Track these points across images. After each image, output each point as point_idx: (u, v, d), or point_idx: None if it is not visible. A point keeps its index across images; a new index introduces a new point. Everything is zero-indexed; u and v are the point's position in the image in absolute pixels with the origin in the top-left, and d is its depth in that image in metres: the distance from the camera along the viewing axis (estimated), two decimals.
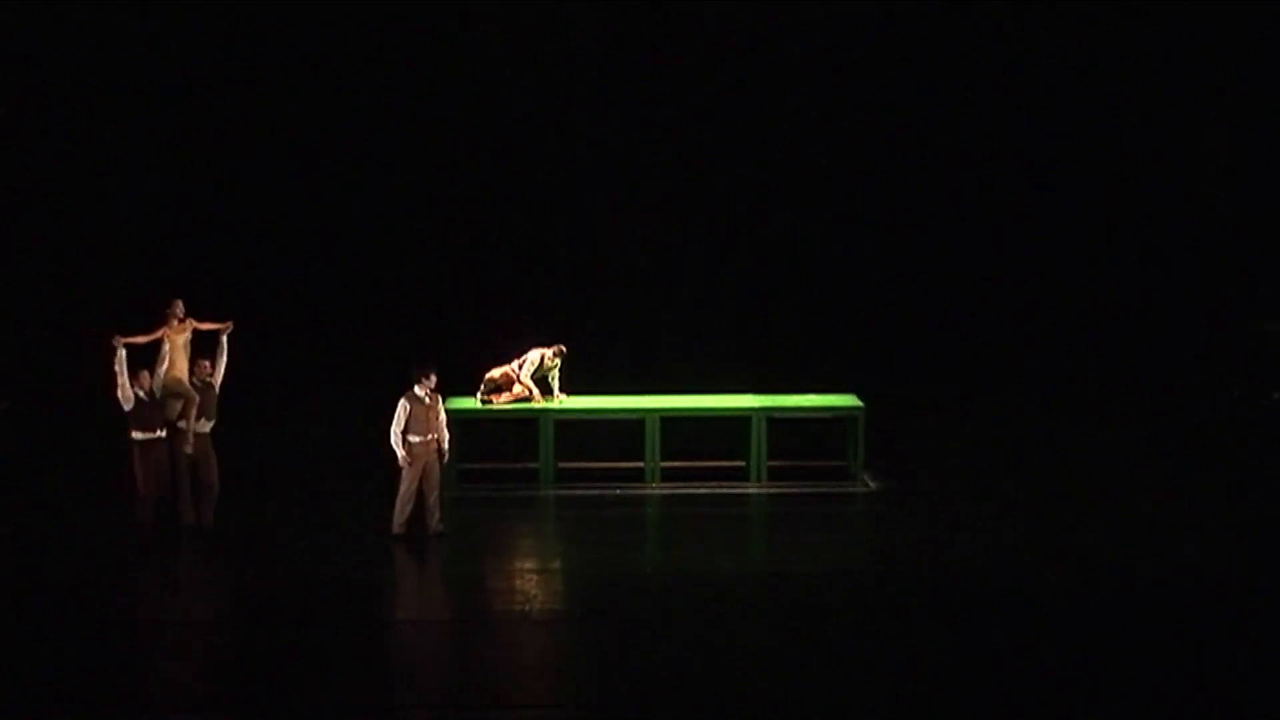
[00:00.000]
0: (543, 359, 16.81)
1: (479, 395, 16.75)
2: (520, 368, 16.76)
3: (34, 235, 18.95)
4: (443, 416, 14.69)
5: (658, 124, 19.81)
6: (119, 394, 14.03)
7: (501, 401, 16.75)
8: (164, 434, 14.28)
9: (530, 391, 16.74)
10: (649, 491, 16.44)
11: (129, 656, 11.46)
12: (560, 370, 16.96)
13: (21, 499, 15.87)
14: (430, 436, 14.50)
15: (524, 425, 16.93)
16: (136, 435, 14.09)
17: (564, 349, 16.89)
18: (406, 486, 14.50)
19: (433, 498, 14.58)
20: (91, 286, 18.82)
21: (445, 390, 15.06)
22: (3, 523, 15.08)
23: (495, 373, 16.78)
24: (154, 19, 18.92)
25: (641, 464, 16.72)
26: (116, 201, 19.18)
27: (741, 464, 16.97)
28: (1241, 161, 19.43)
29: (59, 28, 18.75)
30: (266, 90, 19.30)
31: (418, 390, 14.46)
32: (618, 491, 16.42)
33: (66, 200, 19.12)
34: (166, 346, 14.54)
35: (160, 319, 14.61)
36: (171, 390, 14.47)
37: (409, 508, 14.53)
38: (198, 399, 14.52)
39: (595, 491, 16.39)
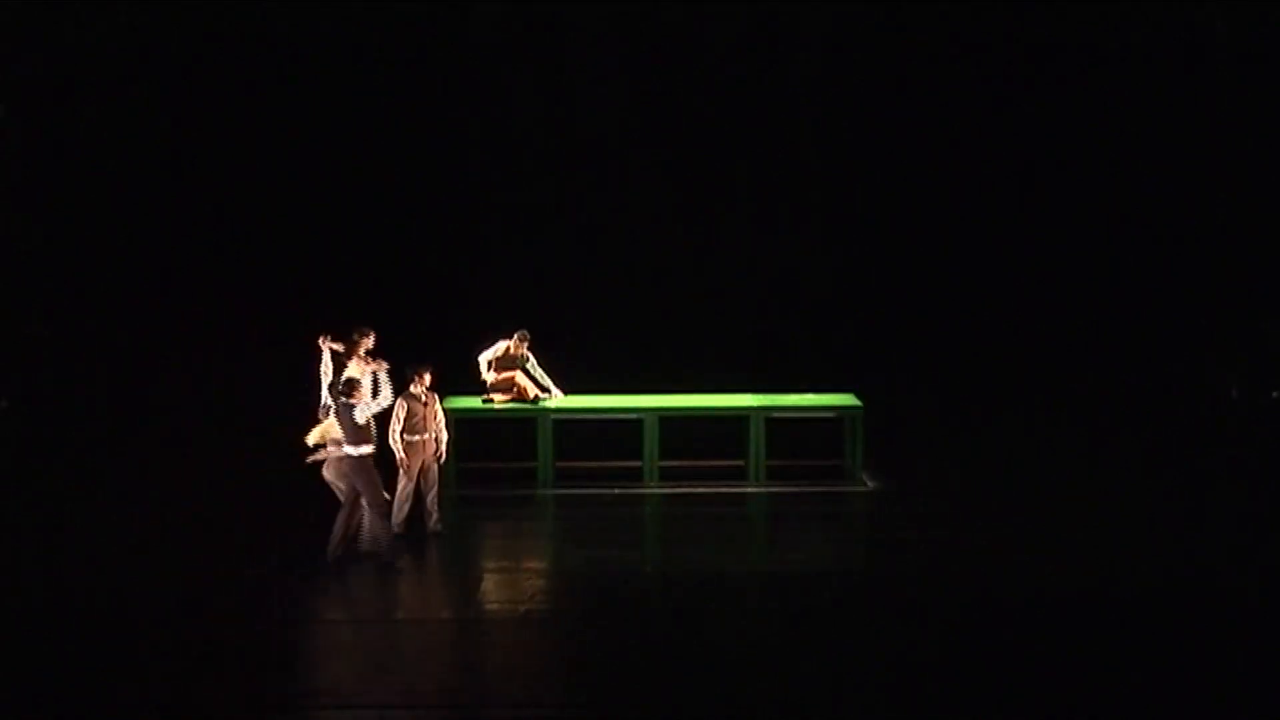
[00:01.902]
0: (508, 349, 16.75)
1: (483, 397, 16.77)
2: (488, 359, 16.71)
3: (34, 234, 18.92)
4: (441, 416, 14.70)
5: (658, 123, 19.79)
6: (366, 411, 13.47)
7: (500, 401, 16.75)
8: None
9: (514, 385, 16.68)
10: (648, 491, 16.44)
11: (126, 656, 11.45)
12: (540, 364, 16.89)
13: (21, 499, 15.85)
14: (428, 435, 14.51)
15: (523, 425, 16.93)
16: (358, 451, 13.50)
17: (527, 334, 16.77)
18: (404, 485, 14.51)
19: (431, 497, 14.61)
20: (90, 286, 18.81)
21: (444, 390, 15.05)
22: (2, 523, 15.08)
23: (497, 378, 16.81)
24: (150, 19, 18.90)
25: (640, 464, 16.73)
26: (115, 201, 19.15)
27: (740, 463, 16.98)
28: (1241, 161, 19.40)
29: (58, 27, 18.73)
30: (263, 89, 19.27)
31: (413, 389, 14.47)
32: (616, 491, 16.42)
33: (66, 199, 19.09)
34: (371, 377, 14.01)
35: (350, 346, 14.19)
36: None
37: (407, 507, 14.54)
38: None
39: (594, 491, 16.40)
